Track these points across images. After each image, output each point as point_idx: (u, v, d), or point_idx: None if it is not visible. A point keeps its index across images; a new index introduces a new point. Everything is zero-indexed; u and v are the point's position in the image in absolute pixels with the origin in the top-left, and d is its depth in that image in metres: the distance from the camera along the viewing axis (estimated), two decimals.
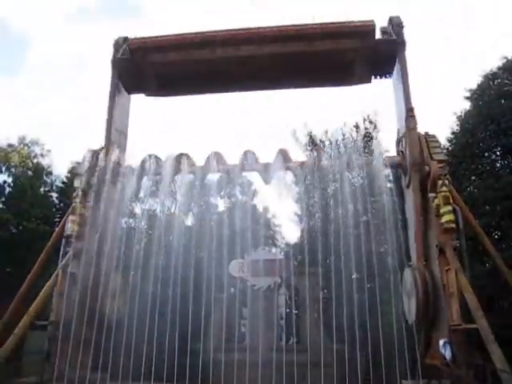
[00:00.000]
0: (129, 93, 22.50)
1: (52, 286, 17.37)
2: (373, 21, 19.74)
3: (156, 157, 20.74)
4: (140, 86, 22.64)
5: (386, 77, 21.54)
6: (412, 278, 17.03)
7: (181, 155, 20.09)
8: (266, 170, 19.70)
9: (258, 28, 20.25)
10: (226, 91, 23.90)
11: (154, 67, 21.52)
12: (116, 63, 21.34)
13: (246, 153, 19.55)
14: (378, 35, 20.03)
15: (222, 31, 20.47)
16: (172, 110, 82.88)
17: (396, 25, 20.07)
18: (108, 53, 21.63)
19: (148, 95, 23.32)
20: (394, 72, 20.54)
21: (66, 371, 14.83)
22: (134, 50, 21.10)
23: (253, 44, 20.13)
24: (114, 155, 20.25)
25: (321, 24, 19.93)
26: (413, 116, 18.57)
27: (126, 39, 21.57)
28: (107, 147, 20.22)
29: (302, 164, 20.11)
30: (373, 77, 21.77)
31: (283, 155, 19.73)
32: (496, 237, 23.85)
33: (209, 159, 19.90)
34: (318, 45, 19.92)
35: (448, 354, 14.81)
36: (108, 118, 20.76)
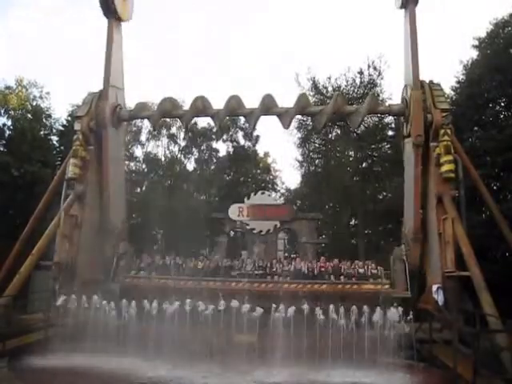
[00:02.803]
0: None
1: (55, 228, 17.68)
2: None
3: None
4: None
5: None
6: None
7: (199, 97, 19.77)
8: (286, 114, 19.45)
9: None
10: None
11: None
12: None
13: (265, 96, 19.25)
14: None
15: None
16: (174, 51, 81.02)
17: None
18: None
19: None
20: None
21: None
22: None
23: None
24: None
25: None
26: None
27: None
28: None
29: (322, 110, 19.88)
30: None
31: (303, 100, 19.54)
32: (495, 188, 23.95)
33: (228, 102, 19.54)
34: None
35: (441, 299, 15.31)
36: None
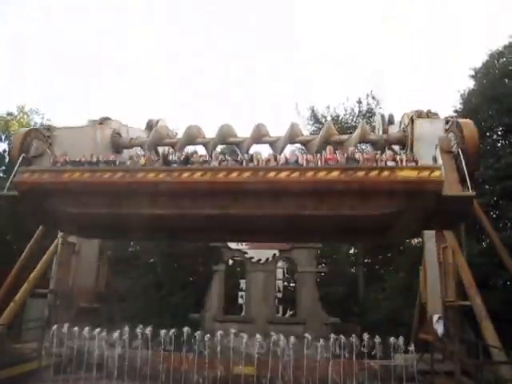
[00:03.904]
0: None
1: (52, 255, 17.54)
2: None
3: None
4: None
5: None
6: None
7: (193, 126, 19.81)
8: (277, 143, 19.46)
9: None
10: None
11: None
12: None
13: (257, 125, 19.34)
14: None
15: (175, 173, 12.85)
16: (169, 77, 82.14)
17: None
18: None
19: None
20: None
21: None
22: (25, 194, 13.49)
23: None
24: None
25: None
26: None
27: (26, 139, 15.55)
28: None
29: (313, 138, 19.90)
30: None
31: (295, 129, 19.62)
32: (494, 216, 23.93)
33: (220, 130, 19.50)
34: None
35: (441, 329, 15.09)
36: None
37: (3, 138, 32.55)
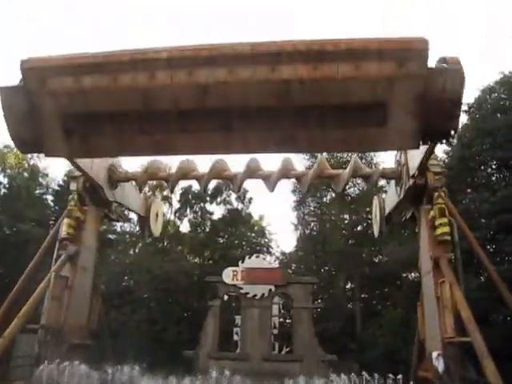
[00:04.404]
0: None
1: (44, 289, 17.22)
2: None
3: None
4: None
5: None
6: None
7: (186, 161, 19.83)
8: (270, 178, 19.45)
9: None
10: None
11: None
12: None
13: (250, 160, 19.37)
14: None
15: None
16: None
17: None
18: None
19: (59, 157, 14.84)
20: None
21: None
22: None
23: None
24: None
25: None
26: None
27: None
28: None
29: (306, 173, 19.97)
30: None
31: (287, 164, 19.65)
32: (491, 250, 23.88)
33: (213, 165, 19.43)
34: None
35: (441, 366, 14.77)
36: None
37: None
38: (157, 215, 24.15)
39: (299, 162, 35.51)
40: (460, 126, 28.34)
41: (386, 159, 32.11)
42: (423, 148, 15.49)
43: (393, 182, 20.20)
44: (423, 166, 16.81)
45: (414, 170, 17.19)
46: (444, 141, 12.63)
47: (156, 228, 24.14)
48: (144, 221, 23.61)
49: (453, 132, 11.76)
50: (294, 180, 31.03)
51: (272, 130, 11.76)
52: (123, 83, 11.04)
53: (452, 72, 11.28)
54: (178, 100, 11.26)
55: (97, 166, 18.95)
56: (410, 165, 17.87)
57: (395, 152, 19.98)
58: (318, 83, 10.83)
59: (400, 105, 11.12)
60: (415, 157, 17.09)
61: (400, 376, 13.65)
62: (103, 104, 11.53)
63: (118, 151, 13.30)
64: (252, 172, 19.39)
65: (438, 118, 11.29)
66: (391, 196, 20.43)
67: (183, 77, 10.85)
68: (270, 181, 19.32)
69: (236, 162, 19.61)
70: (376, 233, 22.36)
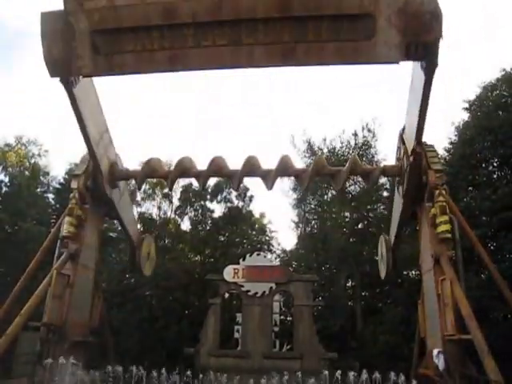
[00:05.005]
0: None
1: (46, 288, 17.26)
2: None
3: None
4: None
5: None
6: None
7: (185, 158, 19.80)
8: (268, 175, 19.43)
9: None
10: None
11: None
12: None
13: (249, 158, 19.33)
14: None
15: None
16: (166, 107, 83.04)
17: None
18: None
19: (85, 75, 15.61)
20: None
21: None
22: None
23: None
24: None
25: None
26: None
27: None
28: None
29: (304, 171, 19.96)
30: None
31: (286, 161, 19.60)
32: (492, 248, 23.88)
33: (211, 163, 19.44)
34: None
35: (442, 363, 14.79)
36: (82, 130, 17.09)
37: (0, 169, 32.59)
38: (148, 254, 23.34)
39: (299, 160, 35.61)
40: (461, 124, 28.37)
41: (387, 157, 31.96)
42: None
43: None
44: (419, 136, 16.81)
45: (412, 145, 17.23)
46: (427, 57, 13.28)
47: (146, 268, 23.25)
48: (134, 254, 22.56)
49: (434, 48, 12.78)
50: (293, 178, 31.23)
51: (275, 43, 13.44)
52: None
53: None
54: (195, 13, 13.09)
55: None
56: (408, 145, 17.93)
57: (395, 149, 20.04)
58: None
59: (384, 17, 12.69)
60: (411, 140, 17.36)
61: (401, 374, 13.65)
62: (130, 19, 13.48)
63: (138, 67, 14.68)
64: (250, 169, 19.40)
65: (419, 31, 12.59)
66: (397, 201, 20.36)
67: None
68: (268, 178, 19.34)
69: (235, 160, 19.54)
70: (382, 275, 22.21)
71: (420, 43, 12.77)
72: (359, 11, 12.87)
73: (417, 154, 17.21)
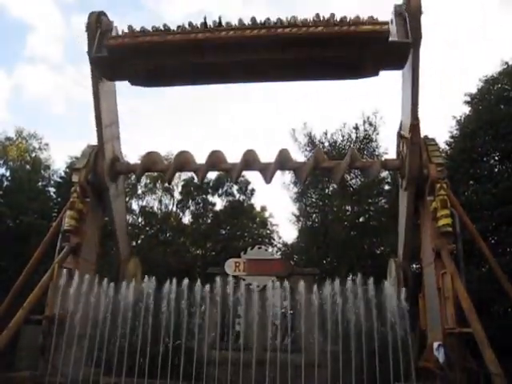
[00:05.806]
0: (111, 80, 20.18)
1: (48, 281, 17.32)
2: (387, 24, 17.21)
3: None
4: (123, 75, 19.93)
5: (396, 69, 18.70)
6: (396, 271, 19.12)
7: (184, 152, 19.80)
8: (267, 169, 19.40)
9: (253, 28, 17.83)
10: (220, 82, 21.93)
11: (135, 67, 19.23)
12: (92, 59, 18.44)
13: (247, 151, 19.31)
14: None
15: (213, 32, 18.00)
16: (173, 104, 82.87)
17: (413, 17, 16.66)
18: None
19: (133, 84, 20.37)
20: (406, 65, 17.85)
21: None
22: (112, 50, 18.30)
23: (247, 50, 18.02)
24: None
25: (328, 27, 17.31)
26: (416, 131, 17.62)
27: (98, 19, 18.57)
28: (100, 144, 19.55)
29: (303, 165, 19.96)
30: (380, 71, 19.14)
31: (284, 155, 19.56)
32: (493, 242, 23.88)
33: (210, 157, 19.48)
34: (325, 51, 17.77)
35: (442, 357, 14.85)
36: (96, 115, 18.82)
37: (1, 163, 32.61)
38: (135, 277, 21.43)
39: (300, 153, 35.61)
40: (463, 118, 28.29)
41: (389, 150, 31.90)
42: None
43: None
44: (415, 112, 17.25)
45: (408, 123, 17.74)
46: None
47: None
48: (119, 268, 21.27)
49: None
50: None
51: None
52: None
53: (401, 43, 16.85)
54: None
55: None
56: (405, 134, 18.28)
57: (395, 148, 20.04)
58: None
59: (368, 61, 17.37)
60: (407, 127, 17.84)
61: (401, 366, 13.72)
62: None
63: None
64: (249, 163, 19.41)
65: None
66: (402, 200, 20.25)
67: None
68: (267, 172, 19.35)
69: (235, 154, 19.58)
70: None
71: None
72: None
73: (415, 130, 17.39)
